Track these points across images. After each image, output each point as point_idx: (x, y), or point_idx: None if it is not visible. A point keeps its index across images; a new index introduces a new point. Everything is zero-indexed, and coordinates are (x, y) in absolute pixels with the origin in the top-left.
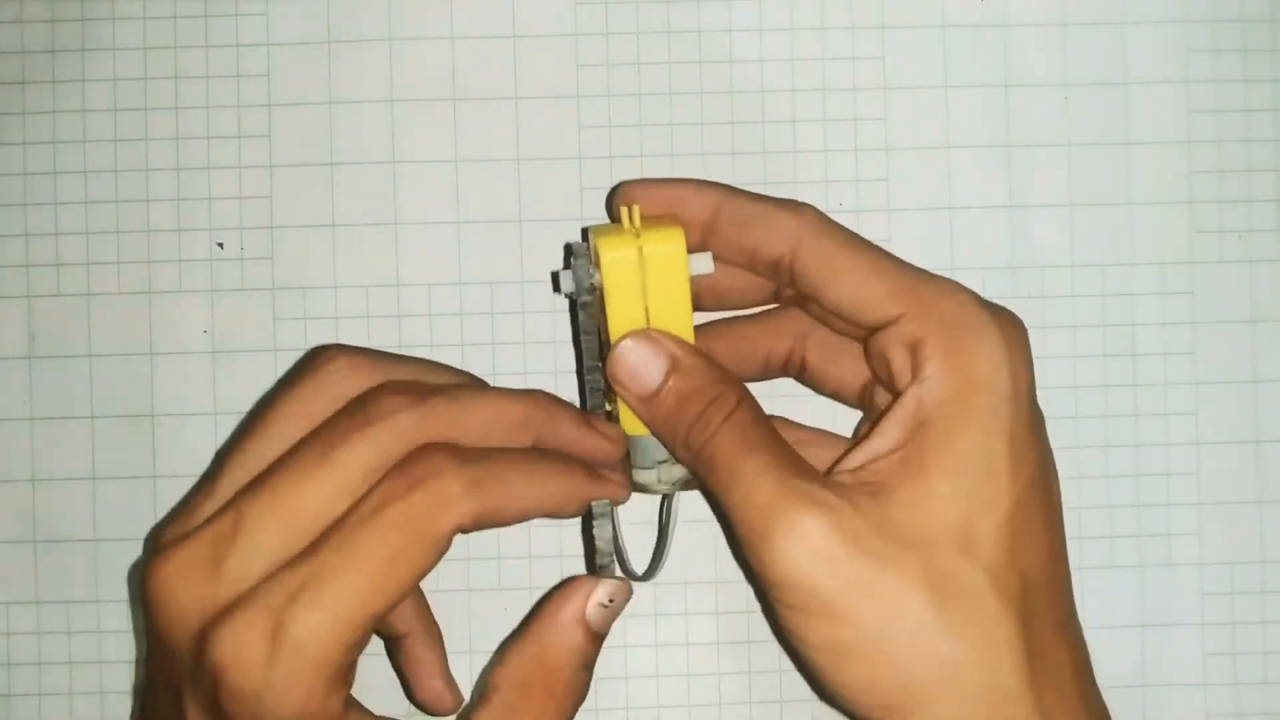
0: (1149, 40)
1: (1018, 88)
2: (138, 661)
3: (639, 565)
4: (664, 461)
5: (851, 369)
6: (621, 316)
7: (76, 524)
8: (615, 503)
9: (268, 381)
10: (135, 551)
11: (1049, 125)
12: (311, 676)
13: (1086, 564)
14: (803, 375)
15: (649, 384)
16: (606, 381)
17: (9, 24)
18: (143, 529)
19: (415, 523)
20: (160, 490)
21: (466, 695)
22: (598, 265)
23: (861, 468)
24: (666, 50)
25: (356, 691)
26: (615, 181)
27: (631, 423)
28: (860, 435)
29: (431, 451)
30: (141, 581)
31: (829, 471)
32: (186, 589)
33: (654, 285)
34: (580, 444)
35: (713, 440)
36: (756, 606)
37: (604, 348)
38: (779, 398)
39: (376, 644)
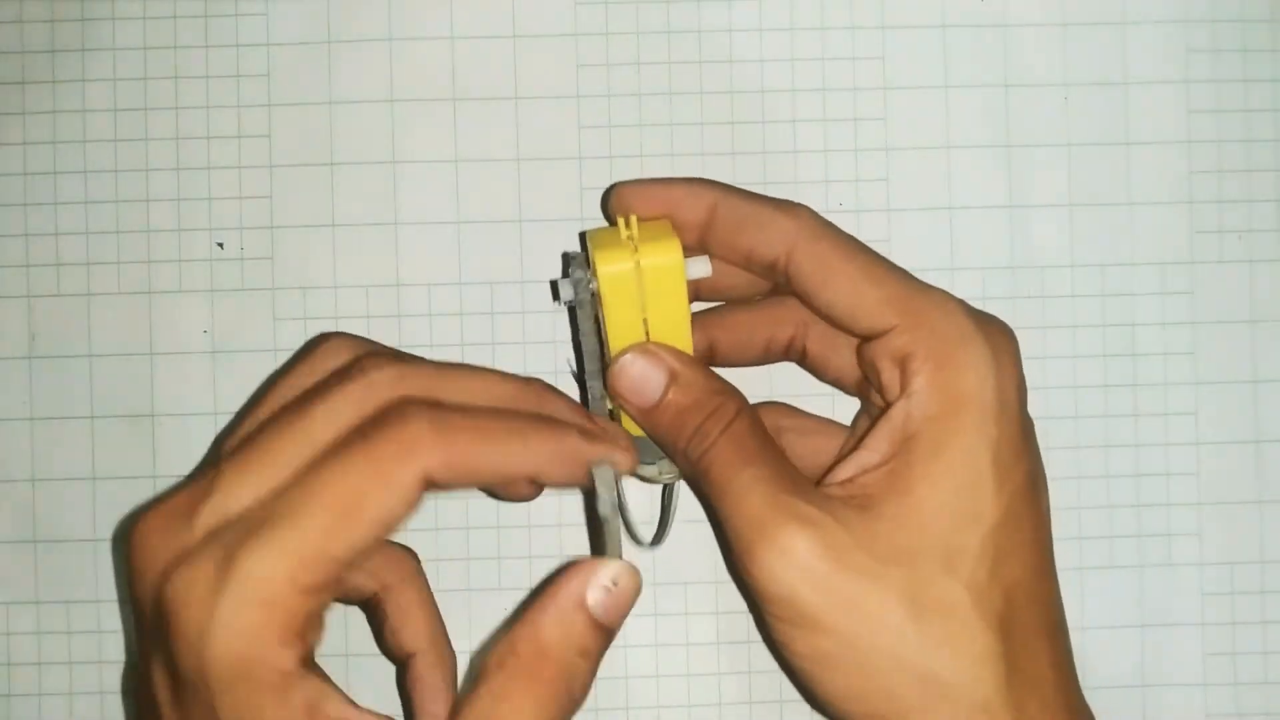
0: (1149, 40)
1: (1018, 88)
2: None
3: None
4: (664, 457)
5: (850, 360)
6: (620, 329)
7: (76, 524)
8: (619, 470)
9: None
10: None
11: (1049, 125)
12: (258, 615)
13: (1086, 564)
14: (804, 361)
15: (649, 397)
16: (607, 386)
17: (9, 24)
18: None
19: (377, 464)
20: (160, 490)
21: None
22: (595, 276)
23: (851, 480)
24: (666, 50)
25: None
26: (615, 182)
27: (630, 423)
28: (849, 448)
29: (405, 401)
30: (123, 543)
31: (821, 479)
32: (159, 540)
33: (652, 297)
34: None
35: (709, 452)
36: None
37: (605, 351)
38: (782, 383)
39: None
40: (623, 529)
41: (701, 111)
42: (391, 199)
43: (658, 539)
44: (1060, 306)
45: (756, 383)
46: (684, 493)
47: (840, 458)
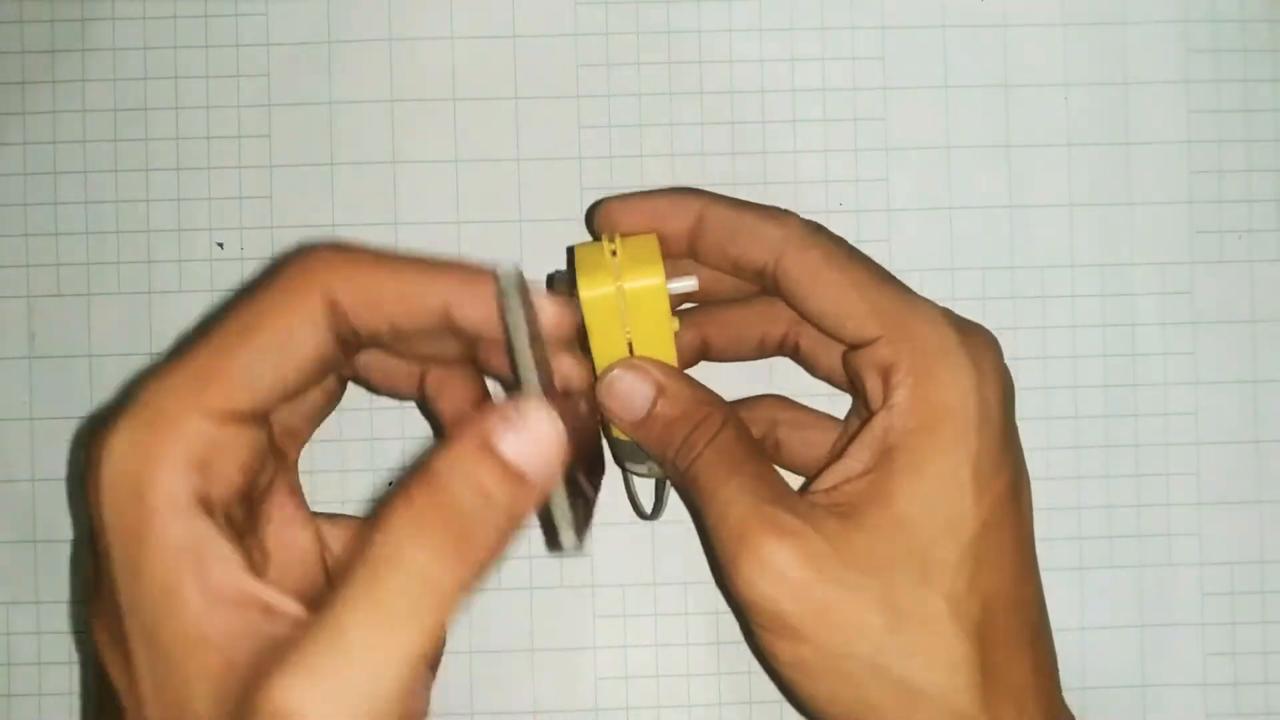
0: (1149, 40)
1: (1018, 88)
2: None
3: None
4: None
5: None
6: (604, 347)
7: (76, 524)
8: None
9: None
10: None
11: (1049, 125)
12: (150, 434)
13: (1086, 564)
14: (796, 356)
15: (637, 411)
16: (545, 379)
17: (9, 24)
18: None
19: (280, 287)
20: None
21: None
22: (578, 297)
23: (835, 488)
24: (666, 50)
25: None
26: (615, 182)
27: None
28: (838, 449)
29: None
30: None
31: (807, 486)
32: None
33: (635, 317)
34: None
35: (697, 462)
36: None
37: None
38: (782, 374)
39: None
40: (533, 365)
41: (701, 111)
42: (391, 199)
43: (656, 511)
44: (1060, 306)
45: (756, 374)
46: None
47: (826, 464)
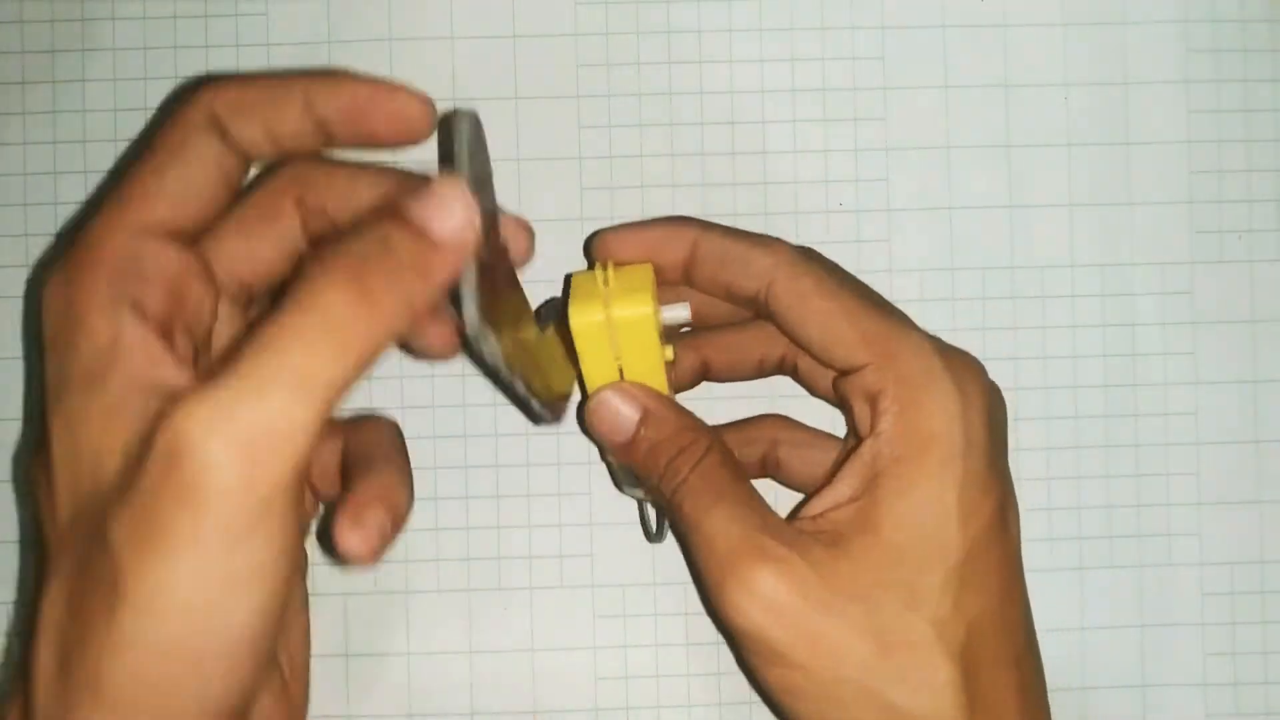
0: (1149, 40)
1: (1018, 88)
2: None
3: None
4: None
5: None
6: (595, 372)
7: None
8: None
9: None
10: None
11: (1049, 125)
12: (83, 260)
13: (1086, 564)
14: (796, 376)
15: (623, 434)
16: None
17: (9, 24)
18: None
19: (171, 116)
20: None
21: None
22: (568, 324)
23: (822, 515)
24: (666, 50)
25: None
26: (615, 182)
27: None
28: (832, 469)
29: None
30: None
31: (796, 512)
32: None
33: (625, 345)
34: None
35: (682, 488)
36: None
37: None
38: (785, 387)
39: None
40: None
41: (701, 111)
42: None
43: (660, 533)
44: (1060, 306)
45: (759, 388)
46: None
47: (816, 490)
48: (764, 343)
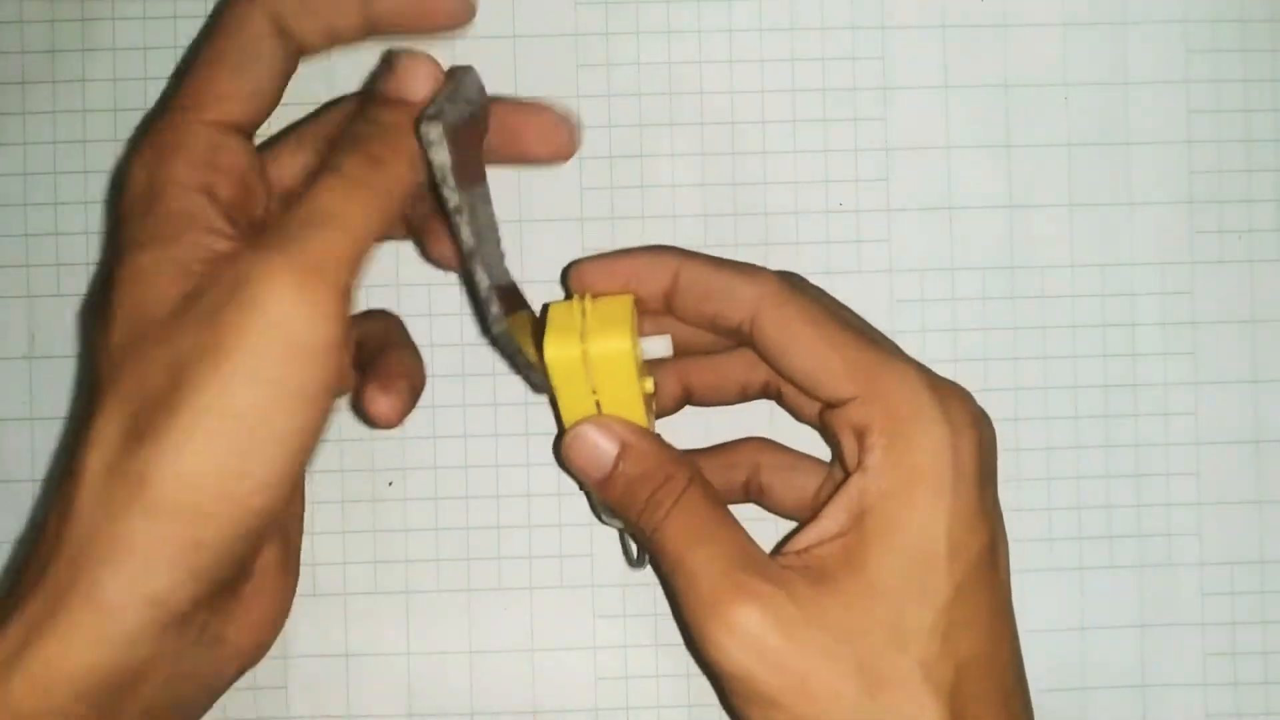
0: (1149, 40)
1: (1018, 88)
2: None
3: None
4: None
5: None
6: (572, 405)
7: None
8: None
9: None
10: None
11: (1049, 125)
12: (164, 147)
13: (1086, 564)
14: (780, 401)
15: (601, 468)
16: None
17: (9, 24)
18: None
19: (230, 13)
20: None
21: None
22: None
23: (807, 550)
24: (666, 50)
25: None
26: (615, 183)
27: None
28: (821, 501)
29: None
30: None
31: (781, 547)
32: None
33: (601, 379)
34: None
35: (663, 525)
36: None
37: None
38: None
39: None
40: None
41: (701, 111)
42: None
43: (640, 561)
44: (1060, 306)
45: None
46: None
47: (800, 525)
48: (747, 368)
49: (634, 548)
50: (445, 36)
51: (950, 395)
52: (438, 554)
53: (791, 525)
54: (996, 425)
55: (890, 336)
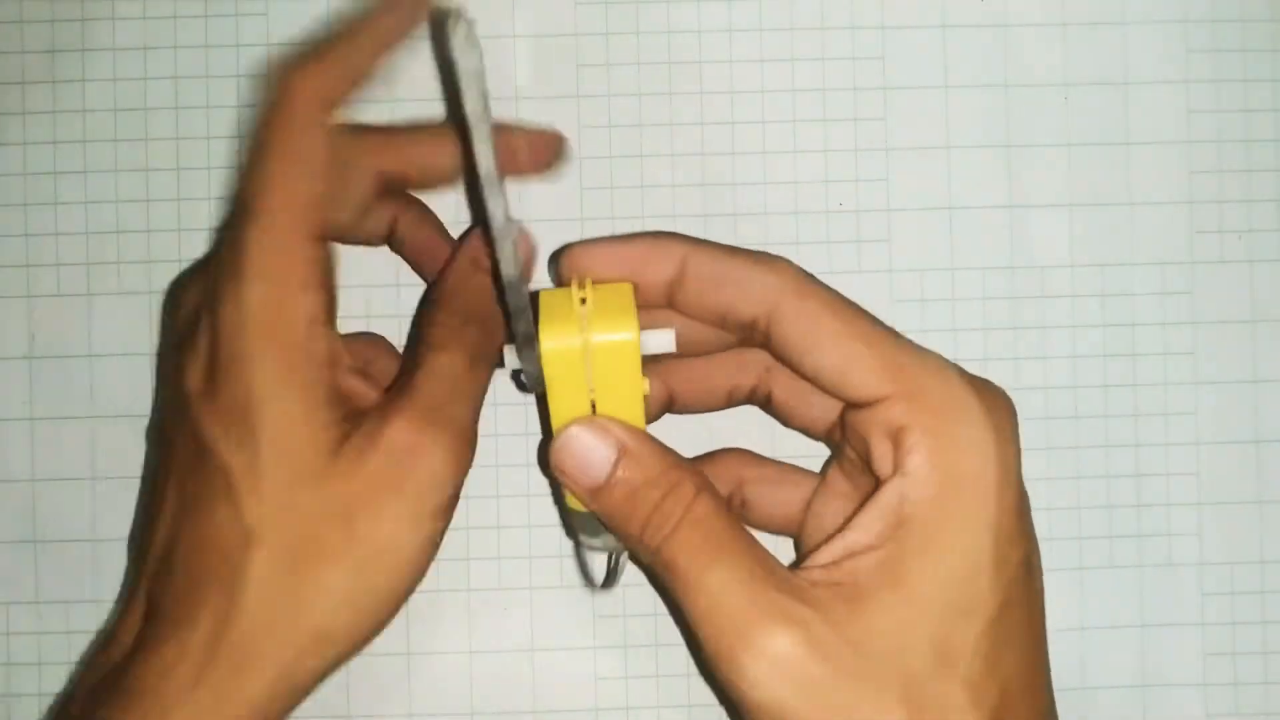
0: (1149, 40)
1: (1018, 88)
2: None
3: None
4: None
5: (819, 408)
6: (564, 406)
7: (76, 524)
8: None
9: None
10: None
11: (1049, 125)
12: (279, 259)
13: (1087, 564)
14: (768, 407)
15: (596, 475)
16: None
17: (9, 24)
18: None
19: (279, 105)
20: None
21: (472, 697)
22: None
23: (835, 564)
24: (666, 50)
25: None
26: (615, 183)
27: (576, 499)
28: (828, 516)
29: None
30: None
31: (802, 560)
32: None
33: (601, 375)
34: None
35: (672, 541)
36: None
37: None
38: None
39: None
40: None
41: (701, 111)
42: None
43: (610, 581)
44: (1060, 306)
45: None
46: None
47: (825, 538)
48: (736, 370)
49: (592, 565)
50: (535, 178)
51: (993, 395)
52: (438, 554)
53: (776, 540)
54: None
55: None
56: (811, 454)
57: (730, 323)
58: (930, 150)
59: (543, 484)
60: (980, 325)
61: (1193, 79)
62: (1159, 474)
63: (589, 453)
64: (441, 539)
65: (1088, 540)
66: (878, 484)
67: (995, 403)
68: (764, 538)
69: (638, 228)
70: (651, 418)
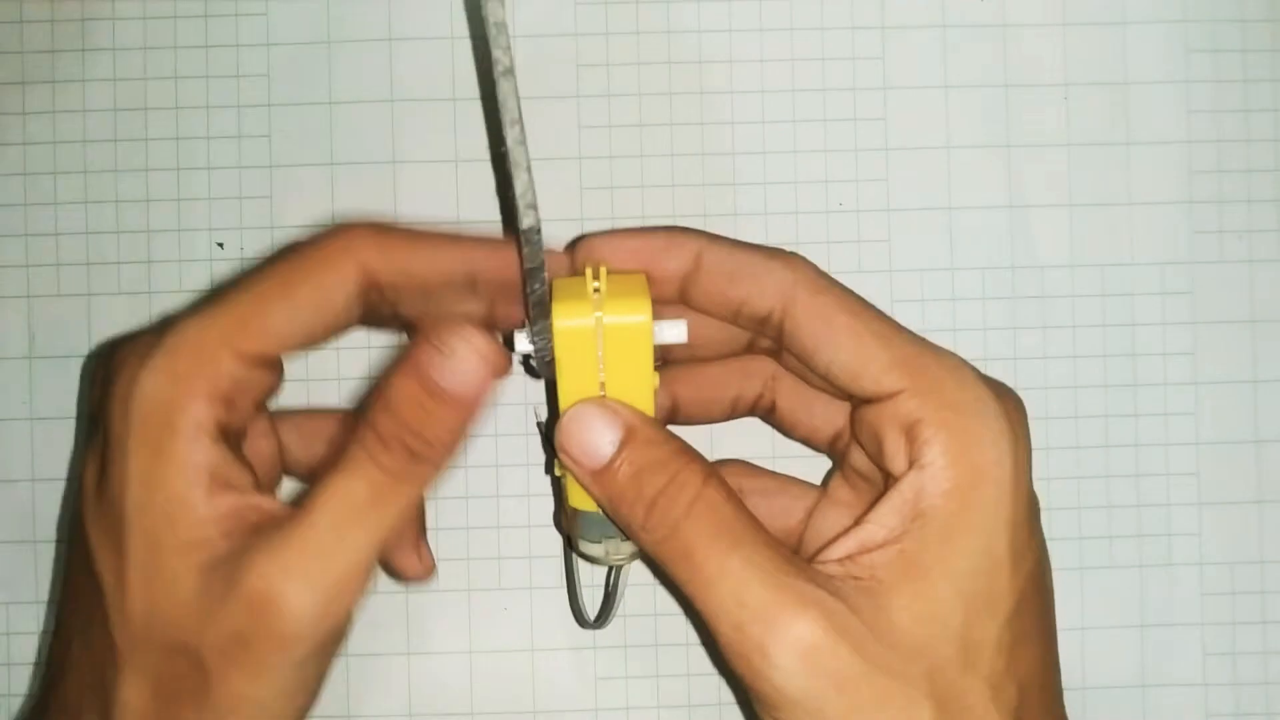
0: (1149, 40)
1: (1018, 88)
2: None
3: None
4: (613, 536)
5: (823, 417)
6: (573, 385)
7: None
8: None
9: None
10: None
11: (1049, 125)
12: (185, 363)
13: (1087, 564)
14: (770, 417)
15: (600, 456)
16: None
17: (9, 24)
18: None
19: (318, 252)
20: None
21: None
22: (551, 330)
23: (851, 558)
24: (666, 50)
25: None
26: (615, 182)
27: (579, 496)
28: (834, 513)
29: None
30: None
31: (815, 556)
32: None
33: (612, 359)
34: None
35: (682, 527)
36: None
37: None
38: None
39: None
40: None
41: (701, 111)
42: (391, 199)
43: (602, 619)
44: (1060, 306)
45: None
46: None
47: (839, 533)
48: (741, 378)
49: (585, 605)
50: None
51: (1006, 393)
52: (438, 554)
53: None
54: None
55: None
56: (810, 471)
57: (744, 317)
58: (930, 150)
59: (543, 484)
60: (980, 325)
61: (1193, 79)
62: (1159, 474)
63: (594, 433)
64: (323, 678)
65: (1088, 540)
66: (888, 480)
67: (1010, 403)
68: None
69: None
70: None
